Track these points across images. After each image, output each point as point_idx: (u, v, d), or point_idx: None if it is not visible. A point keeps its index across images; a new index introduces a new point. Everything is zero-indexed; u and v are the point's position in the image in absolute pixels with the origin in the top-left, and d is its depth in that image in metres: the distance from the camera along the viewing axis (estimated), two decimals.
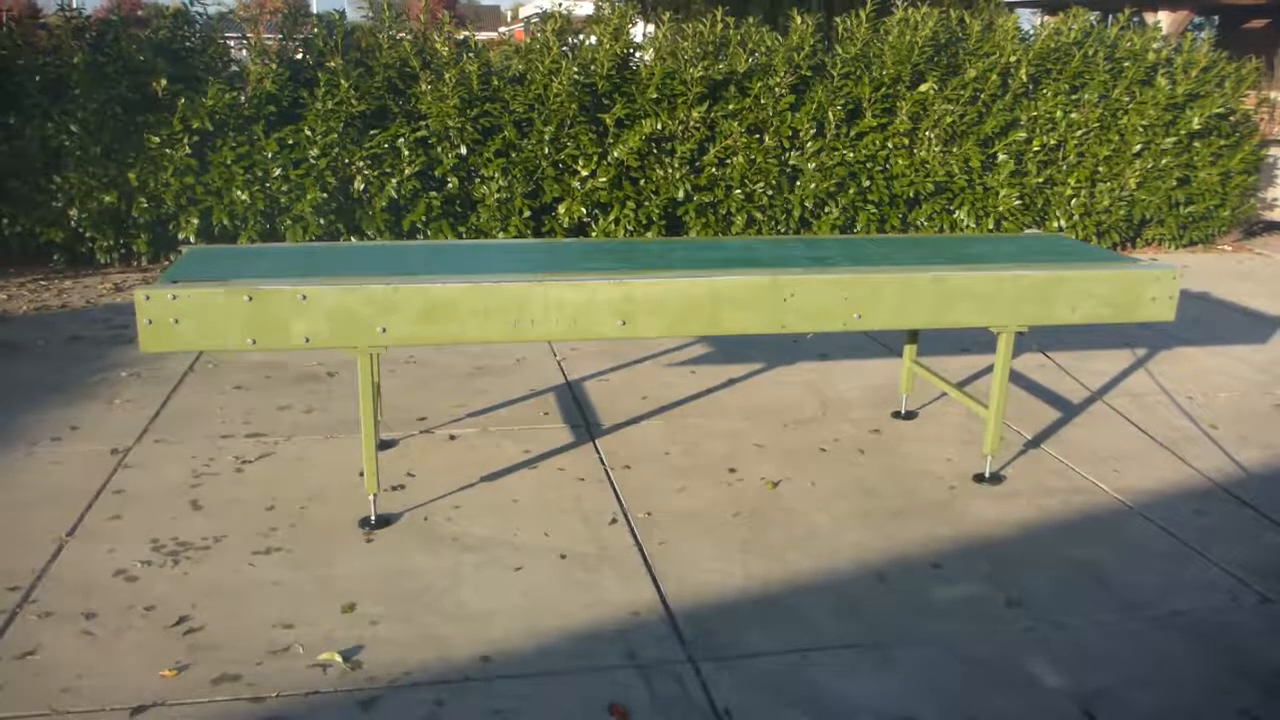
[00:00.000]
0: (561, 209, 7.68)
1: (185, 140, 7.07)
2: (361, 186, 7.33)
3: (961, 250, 4.18)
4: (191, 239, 7.24)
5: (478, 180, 7.55)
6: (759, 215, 8.02)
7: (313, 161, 7.19)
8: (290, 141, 7.19)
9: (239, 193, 7.17)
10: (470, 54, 7.53)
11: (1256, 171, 9.40)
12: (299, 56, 7.49)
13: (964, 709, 2.67)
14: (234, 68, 7.38)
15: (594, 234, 7.82)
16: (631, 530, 3.60)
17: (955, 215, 8.43)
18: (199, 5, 7.35)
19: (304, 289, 3.23)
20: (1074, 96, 8.47)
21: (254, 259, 3.73)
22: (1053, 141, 8.47)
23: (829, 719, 2.61)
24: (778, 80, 7.81)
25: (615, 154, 7.62)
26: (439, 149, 7.40)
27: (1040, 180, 8.53)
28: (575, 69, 7.48)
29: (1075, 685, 2.78)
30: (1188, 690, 2.78)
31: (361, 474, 3.89)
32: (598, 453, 4.28)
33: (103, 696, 2.62)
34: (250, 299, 3.19)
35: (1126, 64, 8.55)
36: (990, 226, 8.50)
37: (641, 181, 7.78)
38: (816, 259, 3.89)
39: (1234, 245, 9.64)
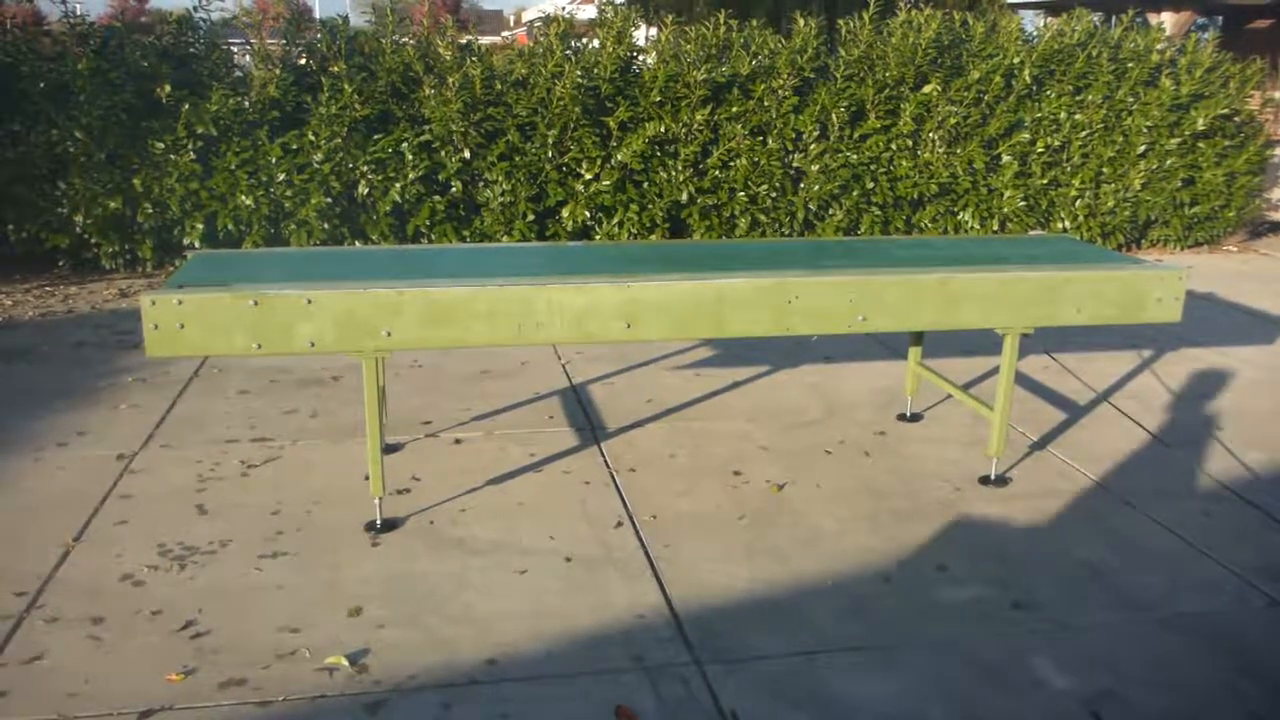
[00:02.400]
0: (565, 212, 7.69)
1: (189, 145, 7.09)
2: (365, 191, 7.34)
3: (966, 252, 4.17)
4: (196, 244, 7.25)
5: (481, 184, 7.56)
6: (763, 218, 8.02)
7: (317, 166, 7.21)
8: (294, 146, 7.20)
9: (243, 198, 7.18)
10: (473, 58, 7.54)
11: (1262, 172, 9.38)
12: (302, 62, 7.50)
13: (970, 710, 2.67)
14: (238, 73, 7.39)
15: (598, 237, 7.83)
16: (637, 533, 3.60)
17: (959, 217, 8.42)
18: (203, 11, 7.37)
19: (310, 293, 3.23)
20: (1078, 98, 8.46)
21: (259, 263, 3.74)
22: (1057, 143, 8.46)
23: None
24: (781, 82, 7.81)
25: (619, 157, 7.63)
26: (443, 153, 7.41)
27: (1044, 181, 8.52)
28: (578, 72, 7.49)
29: (1081, 686, 2.77)
30: (1194, 691, 2.77)
31: (367, 478, 3.89)
32: (603, 456, 4.29)
33: (110, 701, 2.62)
34: (256, 303, 3.20)
35: (1130, 65, 8.54)
36: (995, 228, 8.50)
37: (645, 184, 7.78)
38: (823, 260, 3.89)
39: (1239, 246, 9.63)
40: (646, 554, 3.45)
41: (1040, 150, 8.44)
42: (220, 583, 3.21)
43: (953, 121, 8.15)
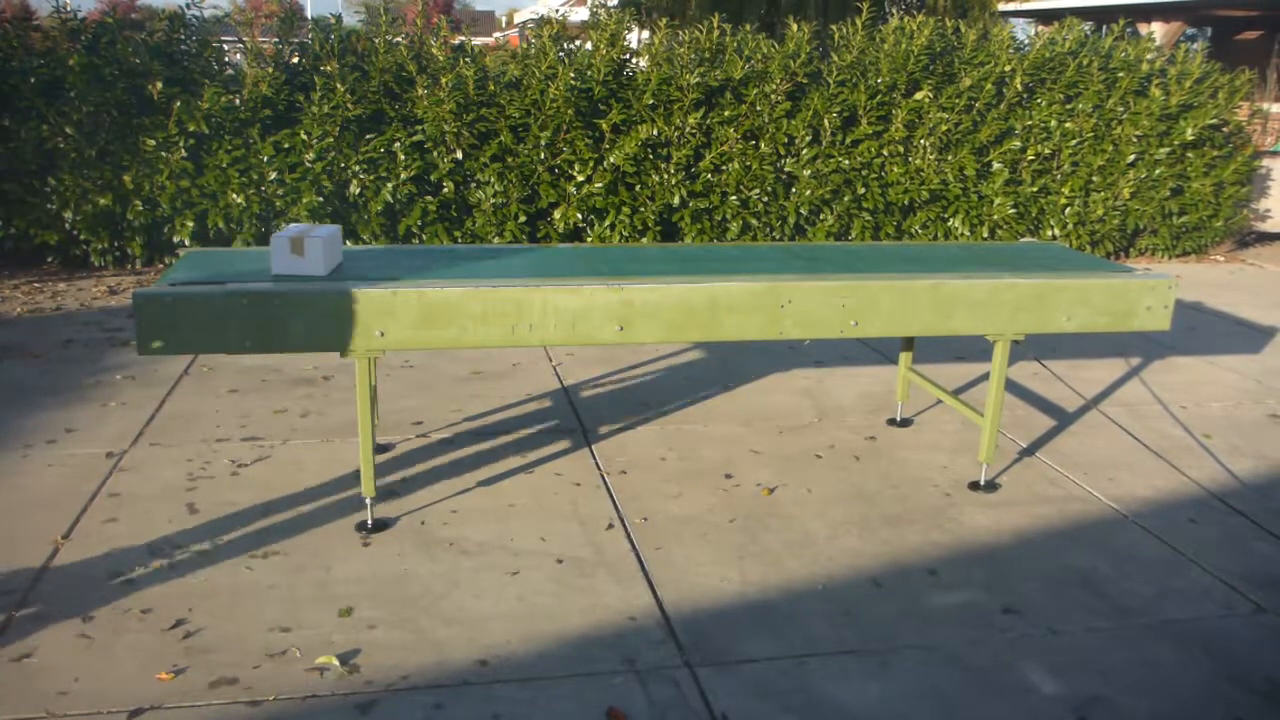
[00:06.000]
0: (557, 214, 7.69)
1: (181, 143, 7.06)
2: (357, 190, 7.33)
3: (957, 258, 4.19)
4: (186, 242, 7.23)
5: (473, 185, 7.56)
6: (754, 221, 8.04)
7: (308, 165, 7.19)
8: (286, 145, 7.18)
9: (234, 196, 7.16)
10: (466, 59, 7.54)
11: (1249, 182, 9.45)
12: (295, 60, 7.49)
13: (960, 715, 2.68)
14: (230, 71, 7.38)
15: (589, 239, 7.83)
16: (628, 535, 3.60)
17: (950, 223, 8.46)
18: (195, 8, 7.35)
19: (303, 292, 3.22)
20: (1068, 106, 8.51)
21: (252, 262, 3.72)
22: (1047, 151, 8.51)
23: None
24: (774, 87, 7.83)
25: (611, 160, 7.63)
26: (435, 153, 7.41)
27: (1034, 189, 8.56)
28: (571, 74, 7.50)
29: (1070, 692, 2.79)
30: (1182, 697, 2.79)
31: (358, 478, 3.89)
32: (594, 458, 4.29)
33: (99, 699, 2.61)
34: (248, 302, 3.19)
35: (1121, 74, 8.59)
36: (984, 235, 8.53)
37: (637, 187, 7.79)
38: (813, 264, 3.90)
39: (1227, 256, 9.69)
40: (638, 556, 3.45)
41: (1030, 158, 8.48)
42: (210, 582, 3.19)
43: (944, 128, 8.18)
